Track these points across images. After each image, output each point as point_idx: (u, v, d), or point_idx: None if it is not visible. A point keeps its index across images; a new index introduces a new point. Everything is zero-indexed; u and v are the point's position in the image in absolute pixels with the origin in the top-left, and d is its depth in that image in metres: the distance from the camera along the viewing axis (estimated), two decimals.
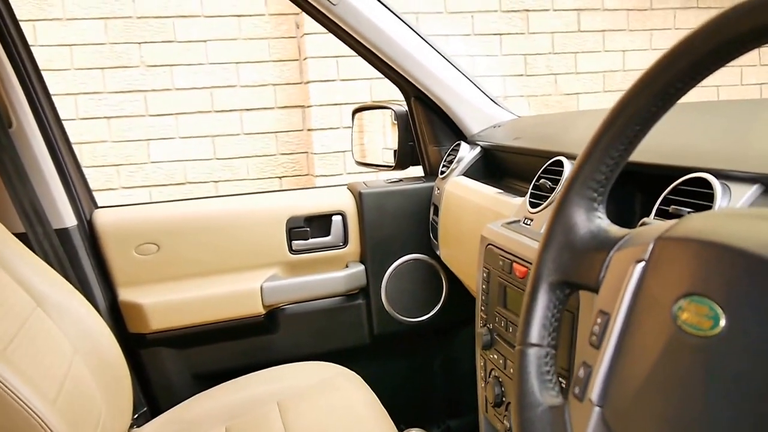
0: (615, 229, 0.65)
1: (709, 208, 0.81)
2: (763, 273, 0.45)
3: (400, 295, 1.91)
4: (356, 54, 1.82)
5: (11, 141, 1.61)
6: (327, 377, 1.64)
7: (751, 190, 0.80)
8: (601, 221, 0.67)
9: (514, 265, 1.05)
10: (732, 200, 0.81)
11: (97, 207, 1.80)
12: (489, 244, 1.17)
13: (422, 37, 1.80)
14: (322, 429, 1.42)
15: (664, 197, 0.88)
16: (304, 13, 1.80)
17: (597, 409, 0.58)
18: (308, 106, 3.67)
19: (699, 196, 0.83)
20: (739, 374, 0.45)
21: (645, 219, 0.83)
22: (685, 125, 1.02)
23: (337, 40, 1.80)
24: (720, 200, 0.81)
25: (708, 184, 0.83)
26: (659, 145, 0.94)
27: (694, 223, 0.55)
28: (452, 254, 1.70)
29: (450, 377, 2.06)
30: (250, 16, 3.67)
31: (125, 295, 1.75)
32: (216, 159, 3.73)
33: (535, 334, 0.68)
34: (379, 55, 1.77)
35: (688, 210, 0.83)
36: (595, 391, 0.58)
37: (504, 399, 1.12)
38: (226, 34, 3.66)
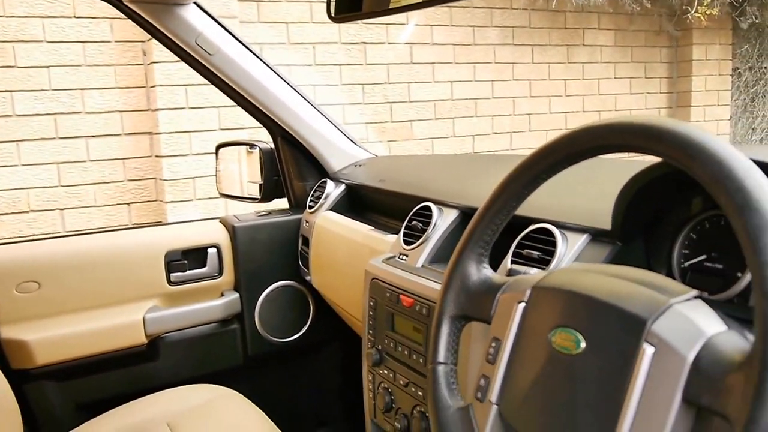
0: (497, 277, 0.90)
1: (552, 251, 1.08)
2: (609, 313, 0.71)
3: (272, 319, 2.08)
4: (229, 97, 1.98)
5: None
6: (212, 398, 1.77)
7: (582, 238, 1.08)
8: (487, 270, 0.91)
9: (401, 296, 1.28)
10: (569, 245, 1.09)
11: None
12: (374, 278, 1.39)
13: (289, 84, 1.99)
14: None
15: (518, 242, 1.15)
16: (153, 41, 1.93)
17: (495, 407, 0.81)
18: (157, 133, 3.74)
19: (544, 242, 1.11)
20: (596, 378, 0.70)
21: (511, 267, 1.09)
22: None
23: (187, 68, 1.94)
24: (560, 246, 1.08)
25: (551, 233, 1.10)
26: None
27: (559, 277, 0.80)
28: (326, 281, 1.90)
29: (320, 389, 2.25)
30: (95, 42, 3.68)
31: (7, 332, 1.78)
32: (61, 186, 3.70)
33: (442, 355, 0.91)
34: (250, 100, 1.95)
35: (537, 253, 1.10)
36: (494, 394, 0.82)
37: (394, 406, 1.35)
38: (70, 60, 3.65)
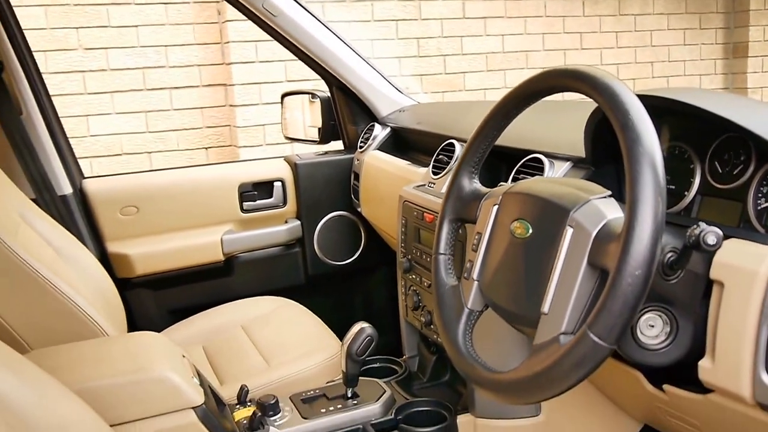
0: (483, 188, 1.19)
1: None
2: (547, 207, 1.00)
3: (329, 244, 2.42)
4: (290, 52, 2.28)
5: (22, 125, 2.01)
6: (277, 307, 2.13)
7: (566, 165, 1.37)
8: (477, 184, 1.20)
9: (425, 214, 1.59)
10: (555, 171, 1.37)
11: (84, 177, 2.20)
12: (405, 201, 1.70)
13: (343, 40, 2.28)
14: (284, 341, 1.90)
15: (517, 168, 1.43)
16: (225, 2, 2.23)
17: (476, 282, 1.11)
18: (231, 85, 4.10)
19: (537, 168, 1.39)
20: (537, 254, 1.00)
21: (501, 183, 1.38)
22: (530, 120, 1.56)
23: (256, 26, 2.23)
24: (548, 171, 1.37)
25: (542, 161, 1.39)
26: (515, 134, 1.48)
27: (521, 185, 1.09)
28: (372, 210, 2.22)
29: (368, 304, 2.58)
30: (176, 3, 4.05)
31: (113, 248, 2.16)
32: (149, 132, 4.10)
33: (443, 247, 1.21)
34: (309, 54, 2.24)
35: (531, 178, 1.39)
36: (475, 273, 1.11)
37: (420, 304, 1.67)
38: (155, 20, 4.02)
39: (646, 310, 0.98)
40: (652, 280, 0.91)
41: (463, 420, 1.54)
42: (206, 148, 4.26)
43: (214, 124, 4.26)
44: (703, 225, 0.86)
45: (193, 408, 1.34)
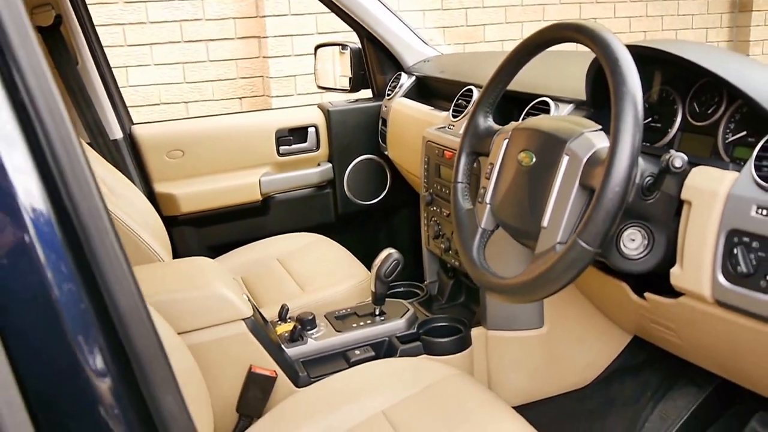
0: (496, 126, 1.38)
1: None
2: (548, 139, 1.19)
3: (357, 185, 2.61)
4: (323, 4, 2.43)
5: (78, 74, 2.20)
6: (311, 241, 2.33)
7: (569, 107, 1.55)
8: (491, 122, 1.39)
9: (445, 152, 1.78)
10: (559, 112, 1.55)
11: (133, 123, 2.40)
12: (428, 141, 1.89)
13: None
14: (317, 271, 2.10)
15: (527, 111, 1.62)
16: None
17: (488, 205, 1.31)
18: (264, 37, 4.26)
19: (544, 110, 1.58)
20: (539, 178, 1.19)
21: (512, 122, 1.57)
22: (539, 68, 1.73)
23: None
24: (553, 112, 1.55)
25: (548, 103, 1.57)
26: (526, 80, 1.66)
27: (528, 122, 1.28)
28: (398, 153, 2.41)
29: (393, 240, 2.78)
30: None
31: (160, 188, 2.36)
32: (186, 83, 4.26)
33: (461, 177, 1.40)
34: (341, 6, 2.40)
35: None
36: (488, 197, 1.31)
37: (440, 233, 1.87)
38: None
39: (627, 226, 1.17)
40: (634, 201, 1.11)
41: (476, 332, 1.76)
42: (240, 98, 4.42)
43: (248, 75, 4.41)
44: (672, 152, 1.05)
45: (243, 319, 1.57)
